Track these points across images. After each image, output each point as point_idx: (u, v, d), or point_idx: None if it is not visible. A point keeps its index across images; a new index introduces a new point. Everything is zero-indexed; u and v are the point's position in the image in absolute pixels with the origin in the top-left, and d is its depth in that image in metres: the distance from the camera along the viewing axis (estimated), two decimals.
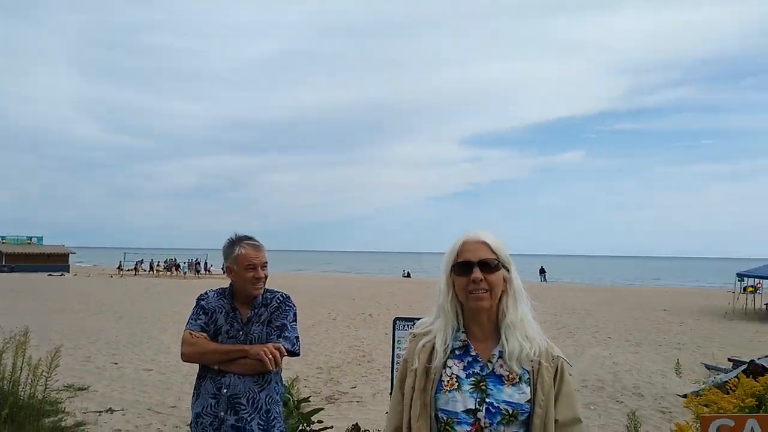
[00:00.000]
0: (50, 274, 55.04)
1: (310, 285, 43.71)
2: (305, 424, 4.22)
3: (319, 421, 4.32)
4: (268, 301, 3.40)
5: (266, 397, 3.24)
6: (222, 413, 3.15)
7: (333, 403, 9.25)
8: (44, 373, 6.98)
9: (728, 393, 5.01)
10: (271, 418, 3.25)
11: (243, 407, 3.16)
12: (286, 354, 3.25)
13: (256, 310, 3.35)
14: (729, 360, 13.05)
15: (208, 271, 59.94)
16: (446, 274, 2.09)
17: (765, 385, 5.15)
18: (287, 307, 3.41)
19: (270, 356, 3.12)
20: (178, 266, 62.18)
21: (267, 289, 3.43)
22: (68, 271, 61.18)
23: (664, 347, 15.92)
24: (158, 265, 62.22)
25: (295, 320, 3.44)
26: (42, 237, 67.71)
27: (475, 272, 2.00)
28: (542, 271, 63.44)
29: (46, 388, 7.13)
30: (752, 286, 29.80)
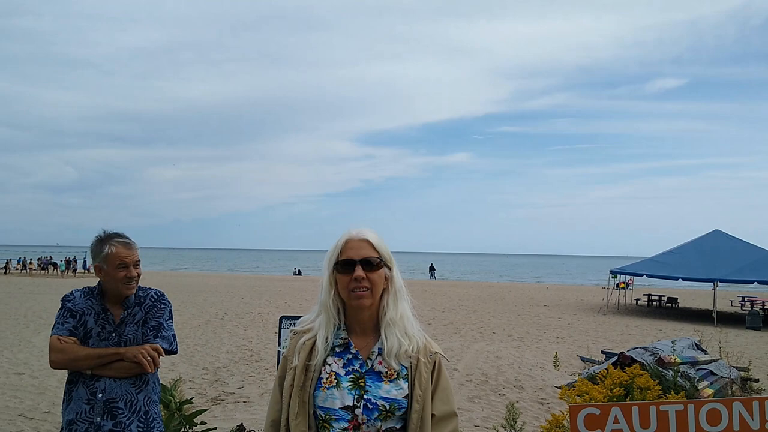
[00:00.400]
0: None
1: (197, 283, 42.57)
2: (188, 427, 4.10)
3: (202, 422, 4.21)
4: (142, 300, 3.26)
5: (144, 399, 3.14)
6: (98, 419, 3.01)
7: (219, 404, 9.04)
8: None
9: (598, 384, 5.34)
10: (150, 419, 3.15)
11: (121, 411, 3.04)
12: (164, 354, 3.15)
13: (129, 310, 3.21)
14: (602, 352, 13.86)
15: (87, 269, 57.04)
16: (329, 271, 2.10)
17: (632, 375, 5.54)
18: (162, 305, 3.29)
19: (148, 358, 3.02)
20: (54, 264, 58.83)
21: (140, 287, 3.29)
22: None
23: (543, 341, 16.66)
24: (31, 263, 58.56)
25: (171, 318, 3.33)
26: None
27: (357, 270, 2.03)
28: (432, 269, 64.84)
29: None
30: (624, 283, 31.68)
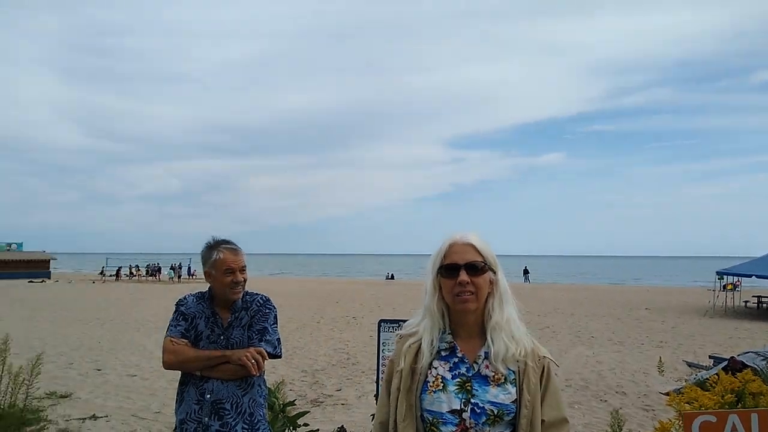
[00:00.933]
0: (31, 281, 54.40)
1: (293, 288, 43.60)
2: (291, 428, 4.21)
3: (305, 425, 4.31)
4: (248, 305, 3.37)
5: (250, 401, 3.23)
6: (206, 419, 3.13)
7: (318, 406, 9.23)
8: (25, 381, 6.92)
9: (708, 390, 5.08)
10: (255, 421, 3.24)
11: (227, 412, 3.15)
12: (268, 357, 3.23)
13: (236, 314, 3.33)
14: (710, 357, 13.19)
15: (192, 275, 59.51)
16: (432, 275, 2.09)
17: (744, 381, 5.23)
18: (267, 310, 3.38)
19: (253, 361, 3.11)
20: (159, 270, 61.73)
21: (247, 292, 3.40)
22: (49, 277, 60.45)
23: (646, 346, 16.04)
24: (138, 270, 61.64)
25: (276, 322, 3.42)
26: (22, 243, 66.77)
27: (461, 275, 2.01)
28: (526, 272, 63.77)
29: (27, 396, 7.07)
30: (732, 284, 30.08)
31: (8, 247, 64.99)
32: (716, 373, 6.07)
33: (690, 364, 12.99)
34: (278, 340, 3.36)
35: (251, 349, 3.18)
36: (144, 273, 61.19)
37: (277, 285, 47.29)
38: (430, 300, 2.09)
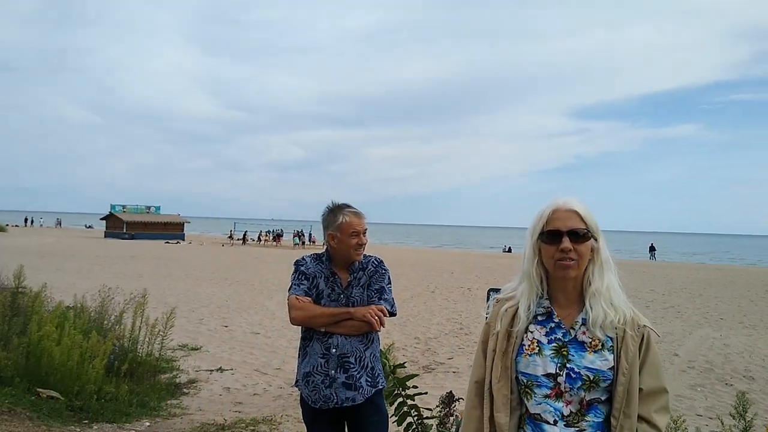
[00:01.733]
0: (167, 242, 58.27)
1: (409, 258, 44.09)
2: (401, 389, 4.33)
3: (414, 386, 4.42)
4: (365, 266, 3.56)
5: (371, 356, 3.46)
6: (333, 371, 3.35)
7: (430, 372, 9.39)
8: (161, 333, 7.50)
9: None
10: (376, 374, 3.49)
11: (352, 365, 3.37)
12: (387, 315, 3.43)
13: (355, 275, 3.52)
14: None
15: (313, 242, 61.42)
16: (532, 240, 2.09)
17: None
18: (383, 271, 3.58)
19: (376, 317, 3.32)
20: (281, 235, 64.14)
21: (363, 254, 3.58)
22: (183, 240, 64.42)
23: None
24: (267, 235, 64.23)
25: (390, 283, 3.60)
26: (159, 206, 71.35)
27: (564, 242, 1.99)
28: (652, 249, 60.91)
29: (162, 346, 7.67)
30: None
31: (147, 210, 69.73)
32: None
33: None
34: (393, 299, 3.55)
35: (373, 307, 3.38)
36: (271, 238, 63.74)
37: (393, 253, 47.98)
38: (529, 265, 2.08)
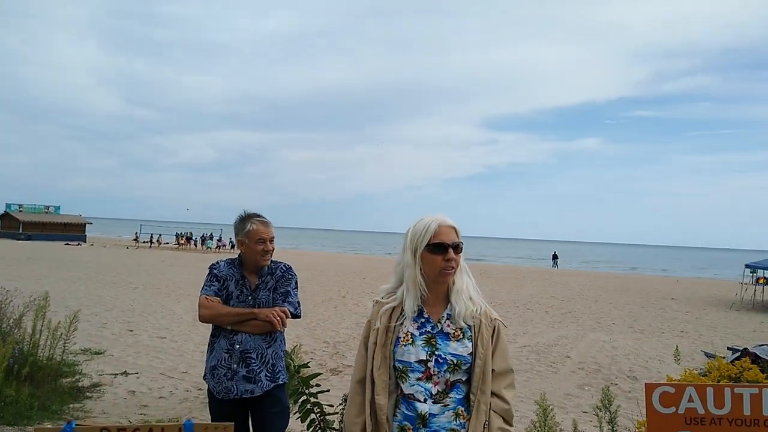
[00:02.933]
0: (67, 244, 55.98)
1: (322, 263, 44.20)
2: (304, 387, 4.56)
3: (317, 385, 4.66)
4: (273, 270, 3.90)
5: (272, 353, 3.78)
6: (235, 365, 3.68)
7: (337, 374, 9.62)
8: (63, 336, 7.39)
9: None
10: (276, 371, 3.80)
11: (253, 360, 3.69)
12: (290, 316, 3.76)
13: (263, 279, 3.85)
14: (728, 349, 13.26)
15: (222, 246, 60.40)
16: (415, 250, 2.50)
17: (741, 369, 5.44)
18: (290, 276, 3.92)
19: (278, 318, 3.64)
20: (190, 239, 62.80)
21: (272, 260, 3.92)
22: (85, 241, 62.07)
23: (666, 335, 16.12)
24: (182, 237, 62.46)
25: (297, 287, 3.94)
26: (59, 206, 68.50)
27: (449, 253, 2.46)
28: (555, 257, 63.56)
29: (64, 350, 7.56)
30: (764, 278, 29.54)
31: (46, 210, 66.77)
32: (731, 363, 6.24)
33: (707, 355, 13.07)
34: (298, 302, 3.90)
35: (276, 308, 3.70)
36: (177, 242, 62.15)
37: (307, 258, 47.94)
38: (412, 271, 2.50)
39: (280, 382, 3.82)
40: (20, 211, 64.64)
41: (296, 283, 3.95)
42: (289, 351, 4.67)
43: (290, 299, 3.82)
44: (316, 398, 4.61)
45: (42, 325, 7.38)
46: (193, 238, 63.84)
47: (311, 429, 4.54)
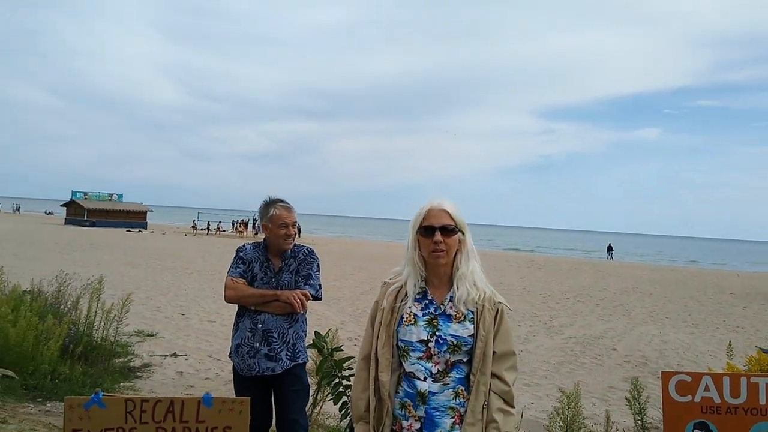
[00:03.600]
0: (129, 230, 57.68)
1: (373, 252, 44.44)
2: (337, 370, 4.67)
3: (350, 368, 4.76)
4: (296, 254, 4.06)
5: (293, 333, 3.96)
6: (257, 344, 3.87)
7: None
8: (116, 318, 7.72)
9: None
10: (297, 350, 3.98)
11: (275, 340, 3.88)
12: (311, 299, 3.91)
13: (286, 261, 4.01)
14: None
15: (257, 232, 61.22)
16: (413, 233, 2.60)
17: None
18: (312, 259, 4.07)
19: (298, 300, 3.79)
20: (246, 225, 63.87)
21: (295, 244, 4.07)
22: (146, 228, 63.81)
23: (721, 330, 15.73)
24: (240, 225, 63.65)
25: (318, 270, 4.09)
26: (122, 194, 70.55)
27: (436, 235, 2.51)
28: (609, 249, 62.28)
29: (117, 331, 7.89)
30: None
31: (110, 198, 68.90)
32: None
33: (763, 350, 12.70)
34: (320, 285, 4.04)
35: (297, 291, 3.85)
36: (234, 228, 63.25)
37: (360, 248, 48.25)
38: (412, 253, 2.60)
39: (300, 362, 3.98)
40: (85, 198, 66.80)
41: (318, 266, 4.08)
42: (322, 334, 4.80)
43: (311, 282, 3.96)
44: (349, 380, 4.72)
45: (97, 307, 7.71)
46: (248, 224, 64.94)
47: (343, 411, 4.65)
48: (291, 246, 4.02)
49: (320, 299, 4.04)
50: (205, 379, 8.12)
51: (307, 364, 4.17)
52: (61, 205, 70.18)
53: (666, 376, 2.70)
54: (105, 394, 2.53)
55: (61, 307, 8.40)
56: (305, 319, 4.09)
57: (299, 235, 61.05)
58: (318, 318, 12.24)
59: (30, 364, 6.44)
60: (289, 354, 3.91)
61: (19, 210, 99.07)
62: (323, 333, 4.94)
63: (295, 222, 4.02)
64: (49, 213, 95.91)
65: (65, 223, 64.04)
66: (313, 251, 4.12)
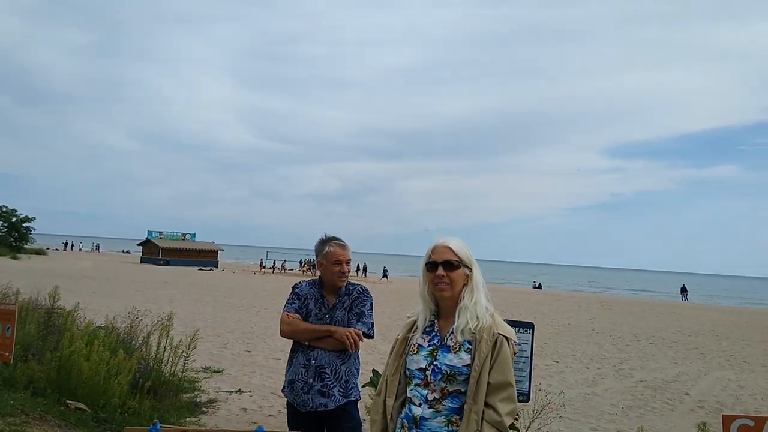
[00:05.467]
0: (201, 269, 59.28)
1: None
2: None
3: None
4: (350, 291, 4.13)
5: (346, 370, 3.99)
6: (311, 380, 3.91)
7: None
8: (184, 354, 7.95)
9: None
10: (349, 387, 3.99)
11: (327, 376, 3.91)
12: (363, 338, 3.96)
13: (340, 299, 4.09)
14: None
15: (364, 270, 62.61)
16: (423, 269, 2.82)
17: None
18: (365, 297, 4.14)
19: (351, 339, 3.87)
20: (313, 266, 64.59)
21: (349, 282, 4.15)
22: (217, 267, 65.51)
23: None
24: (306, 264, 64.64)
25: (372, 308, 4.15)
26: (194, 233, 72.77)
27: (439, 270, 2.73)
28: (683, 290, 60.11)
29: (185, 367, 8.11)
30: None
31: (183, 237, 71.13)
32: None
33: None
34: (372, 323, 4.10)
35: (351, 329, 3.91)
36: (304, 268, 64.19)
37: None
38: (422, 288, 2.84)
39: (353, 399, 4.00)
40: (160, 238, 69.23)
41: (371, 304, 4.15)
42: (380, 372, 4.85)
43: (364, 319, 4.02)
44: None
45: (166, 343, 7.98)
46: (314, 263, 65.57)
47: None
48: (345, 283, 4.09)
49: (372, 337, 4.08)
50: (269, 416, 8.24)
51: (360, 402, 4.20)
52: (138, 245, 72.95)
53: (727, 420, 2.65)
54: (162, 425, 2.65)
55: (133, 342, 8.74)
56: (358, 357, 4.14)
57: (366, 274, 62.23)
58: (382, 357, 12.25)
59: (101, 398, 6.69)
60: (342, 390, 3.93)
61: (98, 249, 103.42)
62: (380, 371, 5.03)
63: (350, 260, 4.10)
64: (126, 252, 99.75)
65: (141, 262, 66.42)
66: (367, 290, 4.19)
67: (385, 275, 61.48)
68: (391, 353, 2.89)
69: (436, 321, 2.81)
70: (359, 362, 4.17)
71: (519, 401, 4.56)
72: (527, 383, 4.63)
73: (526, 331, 4.66)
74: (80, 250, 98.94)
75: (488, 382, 2.56)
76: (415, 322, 2.85)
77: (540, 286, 67.12)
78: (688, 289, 60.85)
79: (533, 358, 4.71)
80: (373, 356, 12.36)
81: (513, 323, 4.86)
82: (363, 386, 4.17)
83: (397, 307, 26.96)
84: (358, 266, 62.28)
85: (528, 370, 4.63)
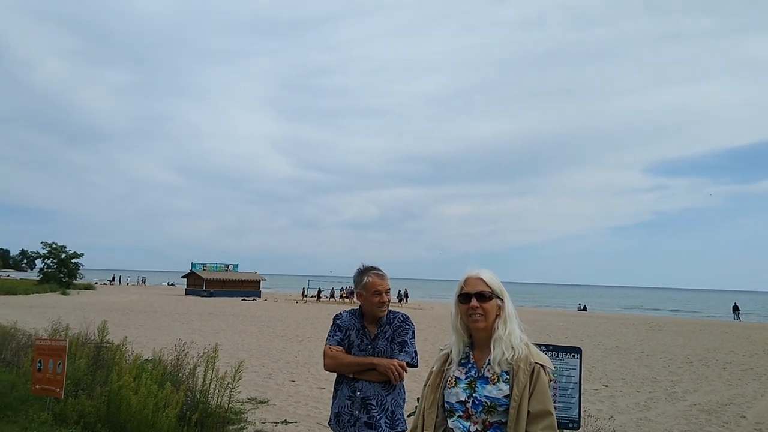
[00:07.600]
0: (244, 299, 59.87)
1: None
2: None
3: None
4: (391, 321, 4.09)
5: (392, 401, 3.94)
6: (356, 412, 3.89)
7: None
8: (229, 386, 8.00)
9: None
10: (396, 418, 3.95)
11: (373, 407, 3.88)
12: (407, 369, 3.92)
13: (381, 328, 4.06)
14: None
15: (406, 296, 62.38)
16: (455, 301, 2.82)
17: None
18: (407, 326, 4.09)
19: (396, 373, 3.84)
20: (352, 293, 64.61)
21: (390, 310, 4.12)
22: (260, 296, 66.09)
23: None
24: (343, 292, 64.88)
25: (414, 337, 4.10)
26: (237, 264, 73.74)
27: (472, 301, 2.73)
28: (735, 309, 58.35)
29: (231, 399, 8.15)
30: None
31: (226, 268, 72.08)
32: None
33: None
34: (415, 352, 4.04)
35: (395, 361, 3.88)
36: (344, 295, 64.42)
37: None
38: (455, 320, 2.84)
39: (399, 429, 3.95)
40: (204, 269, 70.30)
41: (413, 332, 4.10)
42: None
43: (407, 349, 3.97)
44: None
45: (212, 375, 8.04)
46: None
47: None
48: (385, 313, 4.06)
49: (416, 366, 4.03)
50: None
51: None
52: (182, 277, 74.09)
53: None
54: None
55: (179, 374, 8.84)
56: (403, 387, 4.09)
57: (406, 301, 62.03)
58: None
59: (150, 431, 6.77)
60: (388, 422, 3.90)
61: (144, 282, 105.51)
62: None
63: (389, 289, 4.07)
64: (171, 284, 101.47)
65: (185, 294, 67.42)
66: (408, 318, 4.14)
67: (403, 298, 61.20)
68: (425, 386, 2.88)
69: (471, 353, 2.81)
70: (404, 392, 4.12)
71: (569, 428, 4.50)
72: (576, 409, 4.52)
73: (573, 356, 4.57)
74: (127, 283, 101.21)
75: (528, 412, 2.57)
76: (449, 354, 2.85)
77: (585, 308, 65.88)
78: (740, 308, 59.08)
79: (581, 383, 4.61)
80: (417, 384, 12.23)
81: (559, 348, 4.80)
82: (408, 416, 4.10)
83: (440, 333, 26.73)
84: (399, 293, 62.08)
85: (577, 396, 4.53)
